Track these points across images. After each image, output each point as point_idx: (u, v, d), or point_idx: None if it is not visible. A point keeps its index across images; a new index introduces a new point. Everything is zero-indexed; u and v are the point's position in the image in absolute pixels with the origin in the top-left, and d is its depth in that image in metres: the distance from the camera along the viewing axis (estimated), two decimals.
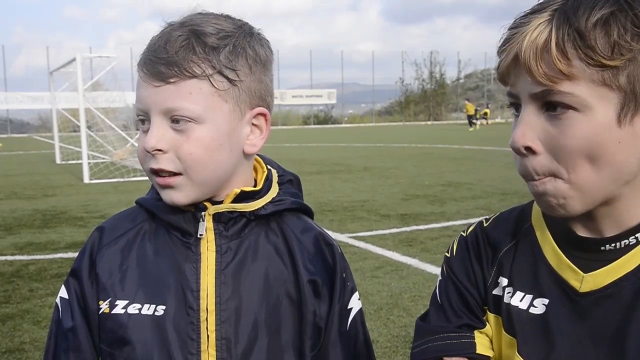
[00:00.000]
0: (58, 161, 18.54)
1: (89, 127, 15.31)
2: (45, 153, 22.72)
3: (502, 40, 0.88)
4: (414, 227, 7.30)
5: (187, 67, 1.02)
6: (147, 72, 1.04)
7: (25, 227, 7.81)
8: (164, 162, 1.04)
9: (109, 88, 17.28)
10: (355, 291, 1.20)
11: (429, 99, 67.41)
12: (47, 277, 5.41)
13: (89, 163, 13.69)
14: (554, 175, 0.86)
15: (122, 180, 12.96)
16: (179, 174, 1.05)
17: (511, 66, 0.87)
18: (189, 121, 1.03)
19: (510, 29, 0.87)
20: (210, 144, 1.05)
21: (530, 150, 0.86)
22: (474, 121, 41.08)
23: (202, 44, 1.03)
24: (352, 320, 1.17)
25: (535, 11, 0.86)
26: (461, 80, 74.74)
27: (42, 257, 6.17)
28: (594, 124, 0.82)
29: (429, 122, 61.04)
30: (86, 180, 12.94)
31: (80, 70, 13.73)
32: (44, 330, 4.17)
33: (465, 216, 7.82)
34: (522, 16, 0.87)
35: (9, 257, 6.21)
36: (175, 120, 1.03)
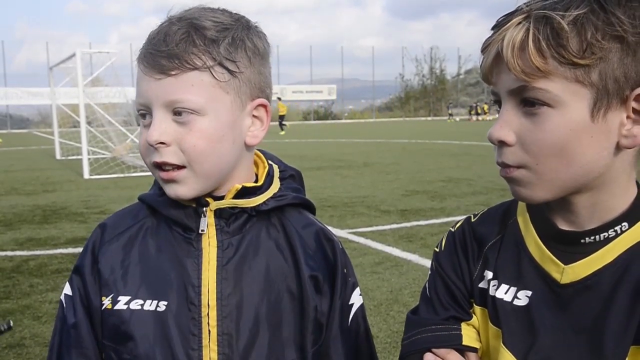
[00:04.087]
0: (58, 157, 18.55)
1: (89, 123, 15.30)
2: (45, 149, 22.73)
3: (484, 40, 0.93)
4: (414, 223, 7.31)
5: (188, 59, 1.02)
6: (147, 65, 1.04)
7: (26, 223, 7.82)
8: (168, 155, 1.05)
9: (109, 84, 17.27)
10: (357, 287, 1.21)
11: (429, 94, 67.41)
12: (47, 273, 5.42)
13: (89, 159, 13.69)
14: (523, 166, 0.90)
15: (122, 175, 12.96)
16: (183, 166, 1.05)
17: (493, 64, 0.91)
18: (192, 113, 1.03)
19: (492, 28, 0.91)
20: (212, 135, 1.05)
21: (503, 142, 0.91)
22: (285, 124, 36.73)
23: (202, 37, 1.03)
24: (353, 316, 1.18)
25: (516, 11, 0.89)
26: (461, 76, 74.70)
27: (42, 252, 6.18)
28: (568, 119, 0.86)
29: (429, 118, 61.00)
30: (86, 175, 12.95)
31: (80, 65, 13.71)
32: (45, 325, 4.18)
33: (465, 212, 7.82)
34: (505, 15, 0.91)
35: (9, 253, 6.22)
36: (177, 112, 1.04)
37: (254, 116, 1.12)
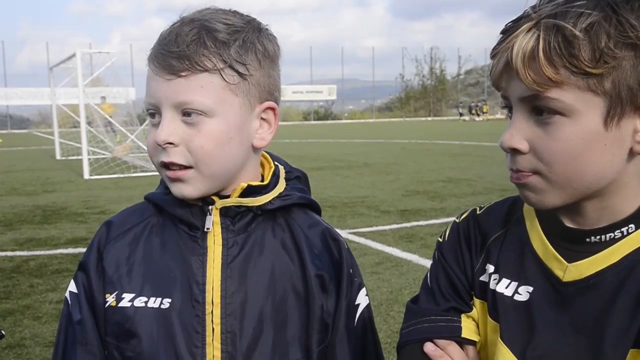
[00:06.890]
0: (58, 157, 18.54)
1: (89, 123, 15.30)
2: (46, 149, 22.71)
3: (495, 45, 0.91)
4: (414, 223, 7.31)
5: (199, 60, 1.03)
6: (158, 66, 1.05)
7: (26, 223, 7.82)
8: (175, 156, 1.05)
9: (109, 84, 17.27)
10: (363, 287, 1.21)
11: (429, 95, 67.38)
12: (48, 273, 5.42)
13: (89, 159, 13.70)
14: (536, 172, 0.89)
15: (122, 176, 12.96)
16: (190, 167, 1.06)
17: (503, 71, 0.89)
18: (200, 114, 1.04)
19: (502, 33, 0.90)
20: (220, 137, 1.06)
21: (516, 150, 0.89)
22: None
23: (213, 39, 1.04)
24: (359, 316, 1.18)
25: (524, 16, 0.88)
26: (461, 76, 74.66)
27: (42, 252, 6.18)
28: (581, 128, 0.84)
29: (429, 118, 61.05)
30: (86, 176, 12.95)
31: (80, 65, 13.71)
32: (45, 325, 4.18)
33: None
34: (513, 20, 0.89)
35: (9, 253, 6.22)
36: (186, 113, 1.04)
37: (262, 119, 1.13)
